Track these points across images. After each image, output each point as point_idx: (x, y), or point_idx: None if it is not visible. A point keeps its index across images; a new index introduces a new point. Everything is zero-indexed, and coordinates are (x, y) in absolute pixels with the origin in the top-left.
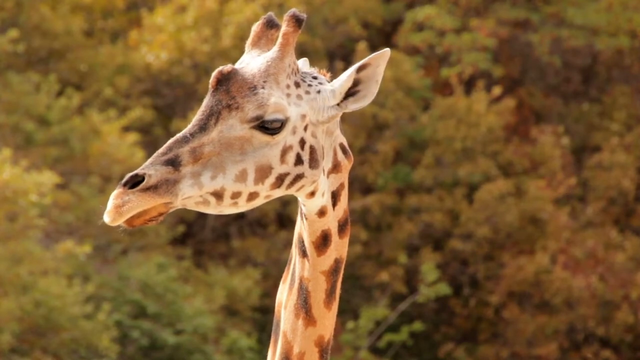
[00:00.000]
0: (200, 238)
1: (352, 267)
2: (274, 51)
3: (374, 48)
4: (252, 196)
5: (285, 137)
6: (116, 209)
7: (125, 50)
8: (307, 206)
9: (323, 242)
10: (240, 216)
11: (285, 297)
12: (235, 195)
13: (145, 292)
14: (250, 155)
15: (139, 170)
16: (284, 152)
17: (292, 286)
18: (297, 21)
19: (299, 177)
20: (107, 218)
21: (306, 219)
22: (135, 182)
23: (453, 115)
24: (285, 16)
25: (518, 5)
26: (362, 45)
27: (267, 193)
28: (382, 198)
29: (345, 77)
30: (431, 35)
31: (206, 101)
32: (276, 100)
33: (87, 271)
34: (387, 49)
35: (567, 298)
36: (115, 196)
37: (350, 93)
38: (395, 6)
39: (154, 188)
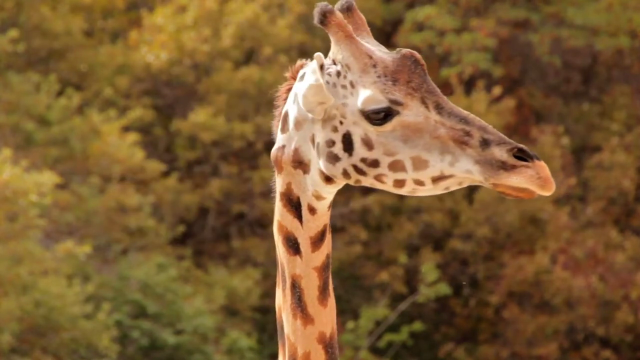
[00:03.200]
0: (200, 238)
1: (352, 267)
2: (372, 37)
3: None
4: None
5: None
6: (551, 177)
7: (125, 50)
8: (327, 199)
9: (320, 237)
10: (240, 216)
11: (281, 300)
12: None
13: (145, 292)
14: None
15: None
16: None
17: (285, 287)
18: None
19: None
20: (551, 188)
21: (314, 213)
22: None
23: None
24: (351, 4)
25: (518, 5)
26: None
27: None
28: (382, 198)
29: None
30: (431, 35)
31: (431, 83)
32: None
33: (87, 271)
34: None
35: (567, 298)
36: (546, 168)
37: None
38: (395, 6)
39: None
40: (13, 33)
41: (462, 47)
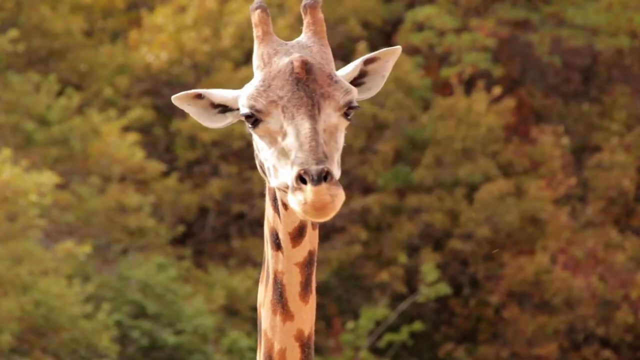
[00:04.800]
0: (200, 238)
1: (352, 267)
2: (320, 38)
3: (374, 48)
4: None
5: None
6: (329, 204)
7: (125, 50)
8: None
9: (299, 232)
10: (240, 216)
11: (262, 296)
12: None
13: (145, 292)
14: (339, 141)
15: (323, 166)
16: (343, 135)
17: (267, 282)
18: (320, 7)
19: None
20: (318, 215)
21: (287, 209)
22: (324, 177)
23: (453, 115)
24: (312, 3)
25: (518, 5)
26: (362, 45)
27: None
28: (382, 198)
29: (352, 67)
30: (431, 35)
31: (298, 92)
32: (353, 87)
33: (87, 271)
34: (399, 47)
35: (567, 298)
36: (321, 192)
37: (356, 84)
38: (395, 6)
39: (338, 181)
40: (13, 33)
41: (462, 47)
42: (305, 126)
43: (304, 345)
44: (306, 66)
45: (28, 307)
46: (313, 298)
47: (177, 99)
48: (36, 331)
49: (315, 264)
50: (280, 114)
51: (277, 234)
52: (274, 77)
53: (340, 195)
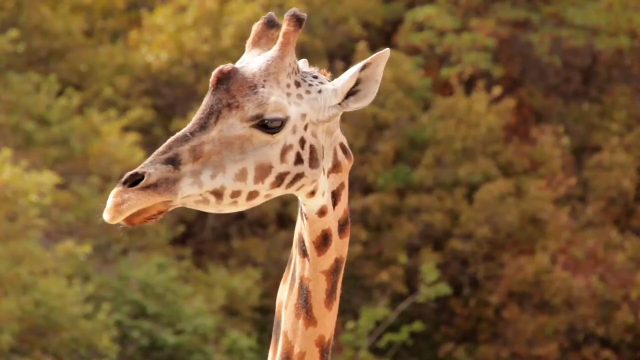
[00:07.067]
0: (200, 238)
1: (352, 267)
2: (274, 50)
3: (374, 48)
4: (252, 195)
5: (286, 136)
6: (115, 207)
7: (125, 50)
8: (307, 206)
9: (323, 241)
10: (240, 216)
11: (285, 297)
12: (235, 194)
13: (145, 292)
14: (250, 154)
15: (138, 169)
16: (284, 151)
17: (293, 286)
18: (297, 21)
19: (298, 176)
20: (106, 216)
21: (306, 218)
22: (135, 181)
23: (453, 115)
24: (286, 15)
25: (518, 5)
26: (362, 45)
27: (267, 192)
28: (382, 198)
29: (348, 77)
30: (431, 35)
31: (206, 100)
32: (276, 99)
33: (87, 271)
34: (387, 49)
35: (567, 298)
36: (114, 194)
37: (350, 92)
38: (395, 6)
39: (153, 186)
40: (13, 33)
41: (462, 47)
42: (178, 133)
43: (323, 350)
44: (221, 75)
45: (28, 307)
46: (336, 304)
47: None
48: (36, 331)
49: (343, 270)
50: None
51: (303, 241)
52: None
53: (134, 201)
